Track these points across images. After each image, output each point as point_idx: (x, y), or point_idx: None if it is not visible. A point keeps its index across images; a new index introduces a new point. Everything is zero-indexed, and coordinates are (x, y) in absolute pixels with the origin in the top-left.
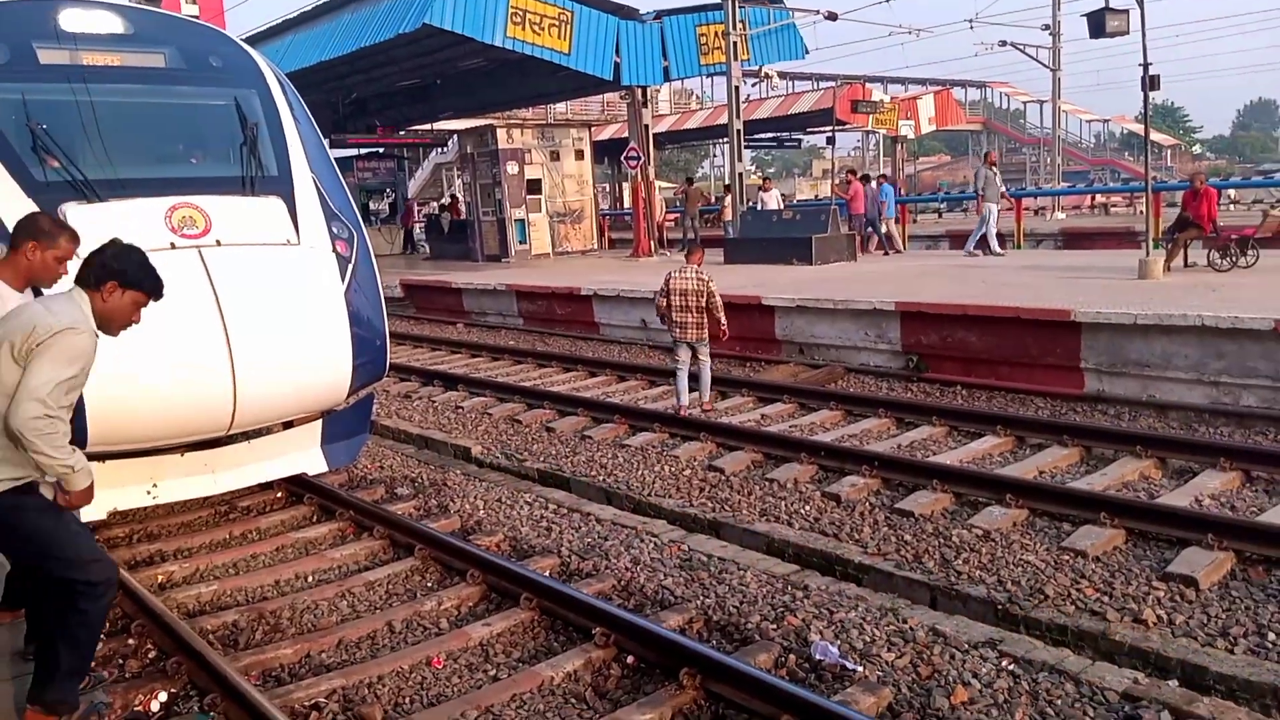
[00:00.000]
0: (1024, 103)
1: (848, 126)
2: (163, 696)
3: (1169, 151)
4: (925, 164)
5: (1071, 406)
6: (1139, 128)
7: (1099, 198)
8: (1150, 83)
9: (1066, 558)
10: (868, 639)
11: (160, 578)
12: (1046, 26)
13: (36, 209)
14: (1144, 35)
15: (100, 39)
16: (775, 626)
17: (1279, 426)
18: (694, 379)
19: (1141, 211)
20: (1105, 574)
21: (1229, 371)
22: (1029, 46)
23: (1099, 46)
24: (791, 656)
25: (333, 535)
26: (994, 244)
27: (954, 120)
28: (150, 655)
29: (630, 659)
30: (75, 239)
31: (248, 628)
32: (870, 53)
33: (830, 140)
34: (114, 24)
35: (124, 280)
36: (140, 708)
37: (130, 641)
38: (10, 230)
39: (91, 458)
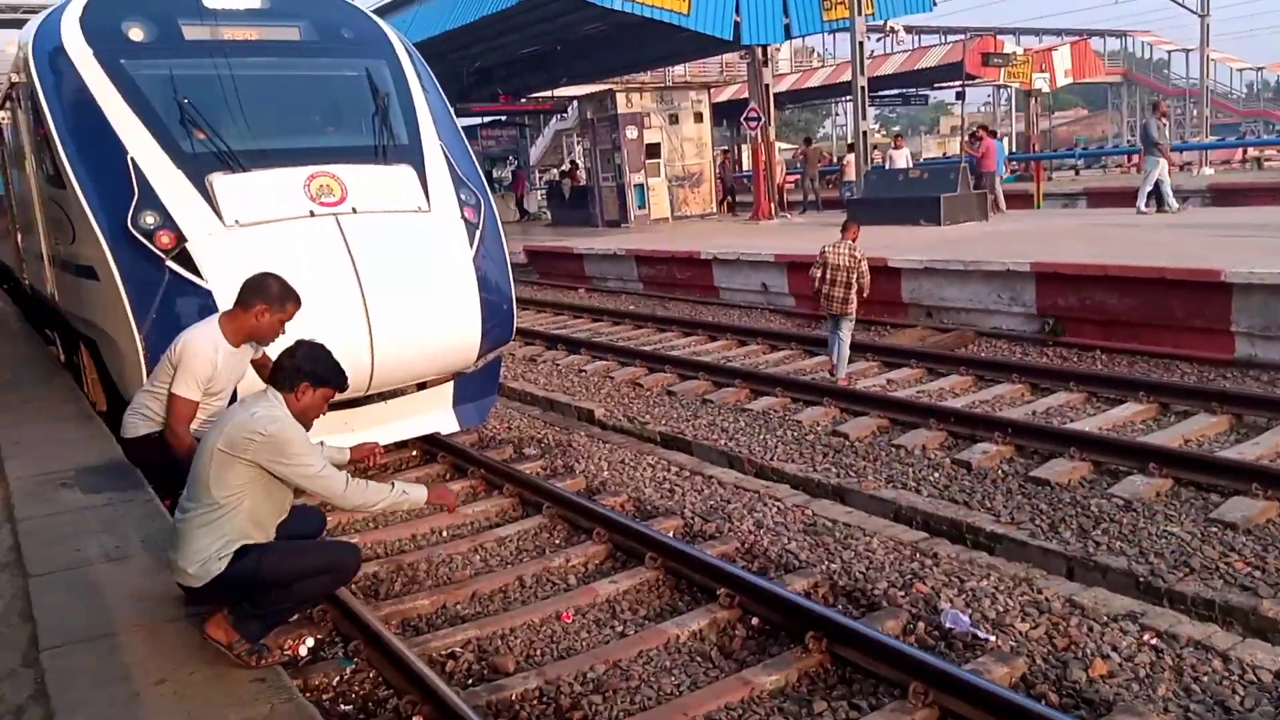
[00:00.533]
0: (1168, 52)
1: (978, 81)
2: (310, 642)
3: None
4: (1060, 118)
5: (1220, 372)
6: None
7: (1251, 151)
8: None
9: (1215, 530)
10: (1000, 608)
11: None
12: None
13: (185, 179)
14: None
15: (240, 15)
16: (903, 593)
17: None
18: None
19: None
20: (1257, 548)
21: None
22: None
23: None
24: (920, 624)
25: (465, 492)
26: (1169, 199)
27: (1092, 72)
28: None
29: (755, 620)
30: (299, 303)
31: (387, 579)
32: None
33: (960, 95)
34: (251, 0)
35: (314, 380)
36: (289, 652)
37: None
38: (164, 203)
39: None
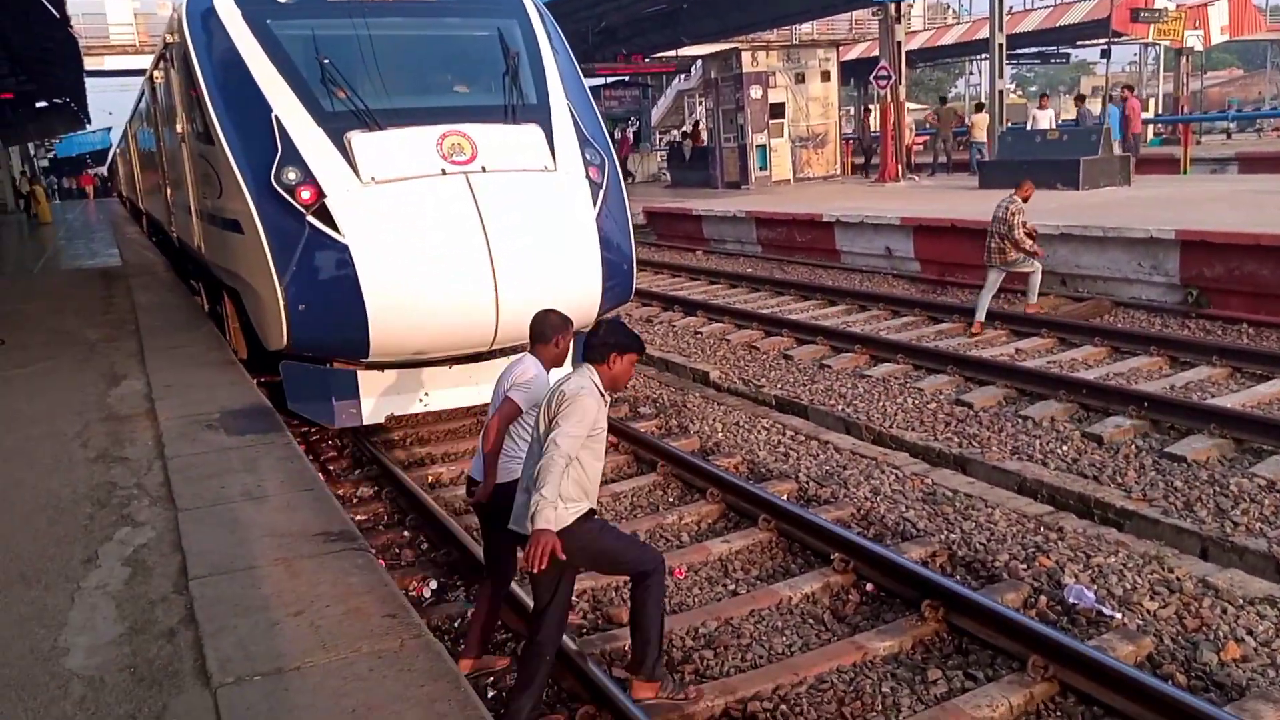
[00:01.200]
0: None
1: (1125, 38)
2: (434, 584)
3: None
4: (1213, 79)
5: None
6: None
7: None
8: None
9: None
10: (1128, 586)
11: (430, 478)
12: None
13: (325, 137)
14: None
15: None
16: (1025, 567)
17: None
18: None
19: None
20: None
21: None
22: None
23: None
24: (1042, 598)
25: None
26: None
27: (1251, 29)
28: (423, 546)
29: (870, 586)
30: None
31: None
32: None
33: (1105, 54)
34: None
35: (620, 349)
36: (414, 593)
37: (405, 533)
38: (305, 160)
39: (371, 367)
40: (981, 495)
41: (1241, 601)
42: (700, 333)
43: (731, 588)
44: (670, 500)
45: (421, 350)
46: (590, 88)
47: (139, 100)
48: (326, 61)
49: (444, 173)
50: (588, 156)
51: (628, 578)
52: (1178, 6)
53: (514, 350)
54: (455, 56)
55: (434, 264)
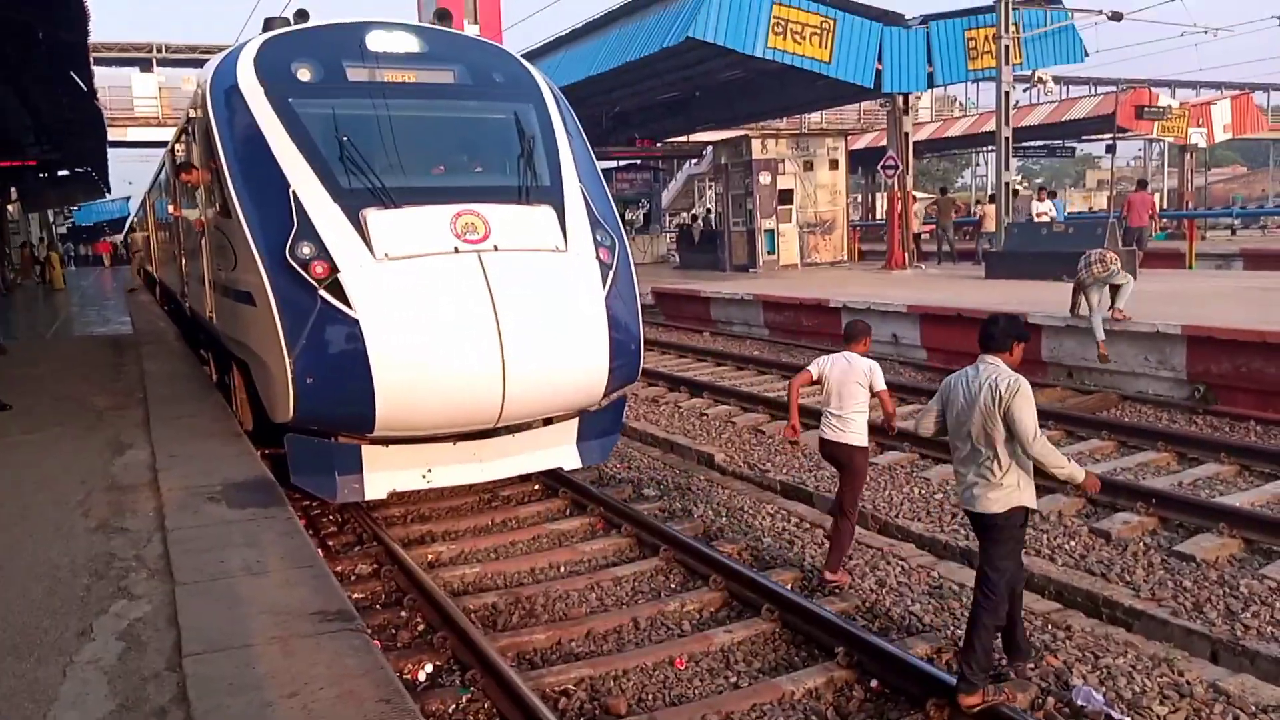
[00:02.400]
0: None
1: (1129, 134)
2: (429, 668)
3: None
4: (1217, 176)
5: None
6: None
7: None
8: None
9: None
10: (1137, 689)
11: (430, 556)
12: None
13: (341, 213)
14: None
15: (399, 58)
16: (1033, 665)
17: None
18: None
19: None
20: None
21: None
22: None
23: None
24: (1050, 699)
25: (584, 529)
26: None
27: (1254, 128)
28: (419, 628)
29: (874, 683)
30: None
31: (505, 610)
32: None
33: (1110, 149)
34: (411, 44)
35: (1019, 337)
36: (408, 676)
37: (403, 614)
38: (320, 235)
39: (375, 442)
40: None
41: (1254, 709)
42: (706, 414)
43: (733, 680)
44: (673, 586)
45: (427, 426)
46: (603, 170)
47: (159, 171)
48: (345, 140)
49: (457, 251)
50: (599, 238)
51: None
52: (1182, 104)
53: (519, 428)
54: (472, 138)
55: (443, 340)
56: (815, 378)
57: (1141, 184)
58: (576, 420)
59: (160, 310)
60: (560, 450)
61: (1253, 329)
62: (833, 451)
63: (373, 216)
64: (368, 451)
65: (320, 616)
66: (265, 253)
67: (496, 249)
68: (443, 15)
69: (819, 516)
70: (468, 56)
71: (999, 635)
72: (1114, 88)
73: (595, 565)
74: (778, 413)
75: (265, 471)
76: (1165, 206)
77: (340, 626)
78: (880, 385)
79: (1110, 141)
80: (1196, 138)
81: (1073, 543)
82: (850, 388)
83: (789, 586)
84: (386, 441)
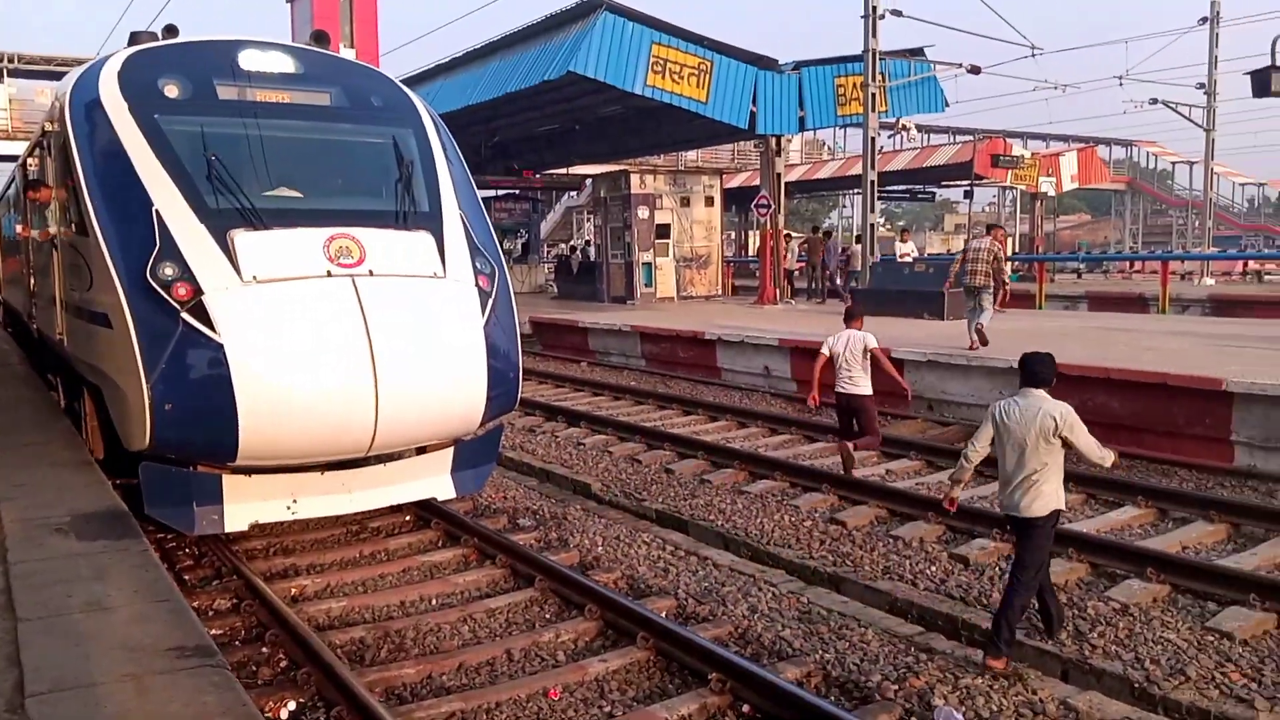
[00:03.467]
0: (1172, 163)
1: (985, 181)
2: (291, 706)
3: None
4: (1065, 223)
5: (1219, 480)
6: None
7: (1251, 264)
8: None
9: (1211, 639)
10: (995, 708)
11: (294, 590)
12: (1201, 85)
13: (207, 234)
14: None
15: (272, 78)
16: (897, 687)
17: None
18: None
19: None
20: (1254, 659)
21: None
22: (1181, 105)
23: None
24: None
25: (457, 561)
26: None
27: (1097, 179)
28: (282, 665)
29: (746, 708)
30: None
31: (374, 645)
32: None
33: (968, 194)
34: (285, 64)
35: (1058, 375)
36: (270, 714)
37: (264, 650)
38: (184, 256)
39: (237, 472)
40: (855, 615)
41: None
42: (583, 444)
43: (608, 709)
44: (548, 617)
45: (294, 455)
46: (482, 199)
47: (7, 186)
48: (214, 159)
49: (329, 274)
50: (478, 265)
51: None
52: (1033, 155)
53: (391, 457)
54: (348, 161)
55: (312, 366)
56: (829, 355)
57: (827, 233)
58: (452, 449)
59: (3, 333)
60: (434, 480)
61: (1096, 365)
62: (848, 401)
63: (241, 238)
64: (228, 481)
65: (177, 652)
66: (124, 273)
67: (372, 274)
68: (319, 37)
69: (693, 544)
70: (345, 79)
71: (1040, 614)
72: (971, 137)
73: (468, 597)
74: (654, 442)
75: (117, 502)
76: (1017, 250)
77: (199, 663)
78: (874, 344)
79: (968, 187)
80: (1046, 186)
81: (934, 568)
82: (856, 355)
83: (664, 614)
84: (249, 471)
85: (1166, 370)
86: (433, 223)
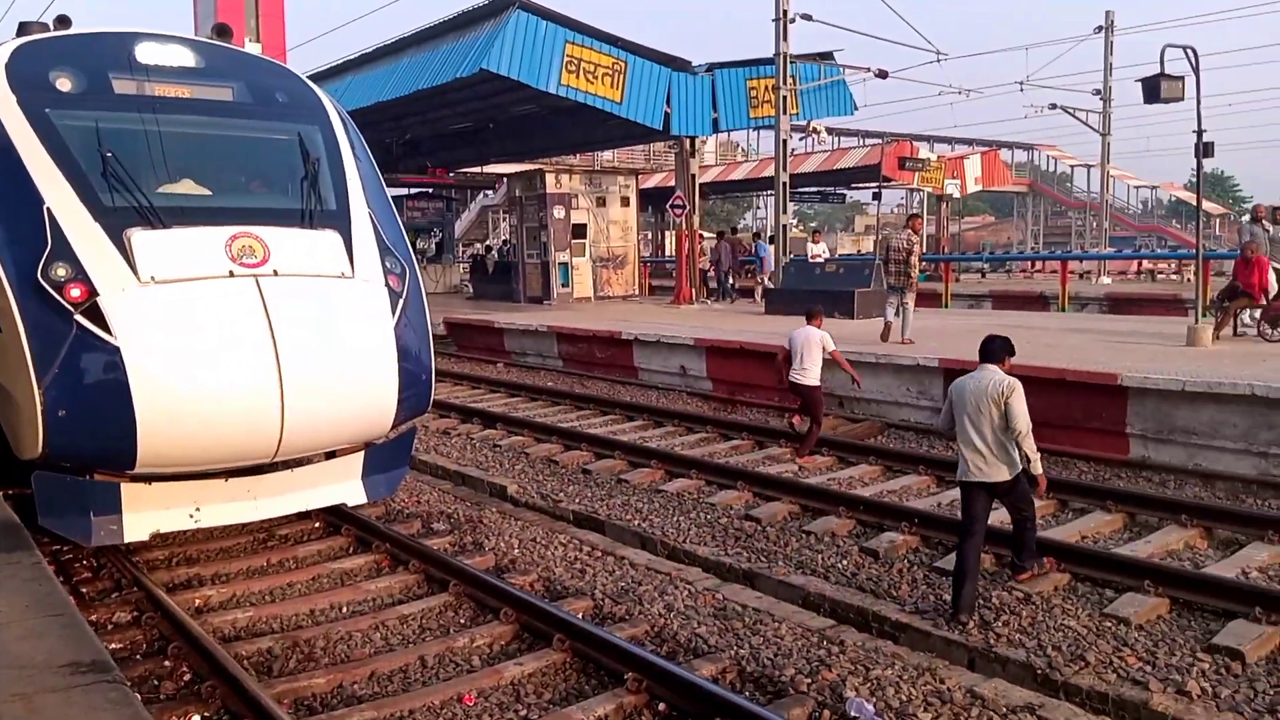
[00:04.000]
0: (1071, 166)
1: (893, 183)
2: (196, 719)
3: (1218, 220)
4: (970, 224)
5: (1115, 472)
6: (1187, 195)
7: (1145, 264)
8: (1203, 150)
9: (1109, 624)
10: (904, 698)
11: (198, 601)
12: (1097, 91)
13: (102, 233)
14: (1199, 103)
15: (172, 72)
16: (810, 680)
17: None
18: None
19: (1189, 279)
20: (1148, 643)
21: (1278, 443)
22: (1079, 110)
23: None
24: (826, 712)
25: (368, 567)
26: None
27: (1000, 181)
28: (185, 678)
29: (662, 706)
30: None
31: (282, 655)
32: (919, 111)
33: (876, 196)
34: (186, 58)
35: (1010, 351)
36: None
37: (166, 663)
38: (77, 255)
39: (136, 479)
40: (769, 610)
41: (1005, 710)
42: (499, 446)
43: (524, 713)
44: (462, 622)
45: (197, 462)
46: (394, 197)
47: None
48: (109, 155)
49: (232, 274)
50: (388, 264)
51: None
52: (939, 158)
53: (299, 462)
54: (251, 158)
55: (214, 369)
56: (789, 348)
57: (720, 234)
58: (362, 453)
59: None
60: (344, 485)
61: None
62: (799, 389)
63: (138, 237)
64: (127, 490)
65: (72, 669)
66: (13, 273)
67: (276, 273)
68: (222, 30)
69: (610, 544)
70: (248, 74)
71: (1012, 550)
72: (880, 140)
73: (380, 604)
74: (571, 443)
75: (8, 513)
76: (924, 251)
77: (95, 679)
78: (831, 347)
79: (876, 189)
80: (951, 188)
81: (845, 562)
82: (811, 349)
83: (580, 615)
84: (149, 479)
85: (1065, 366)
86: (340, 221)
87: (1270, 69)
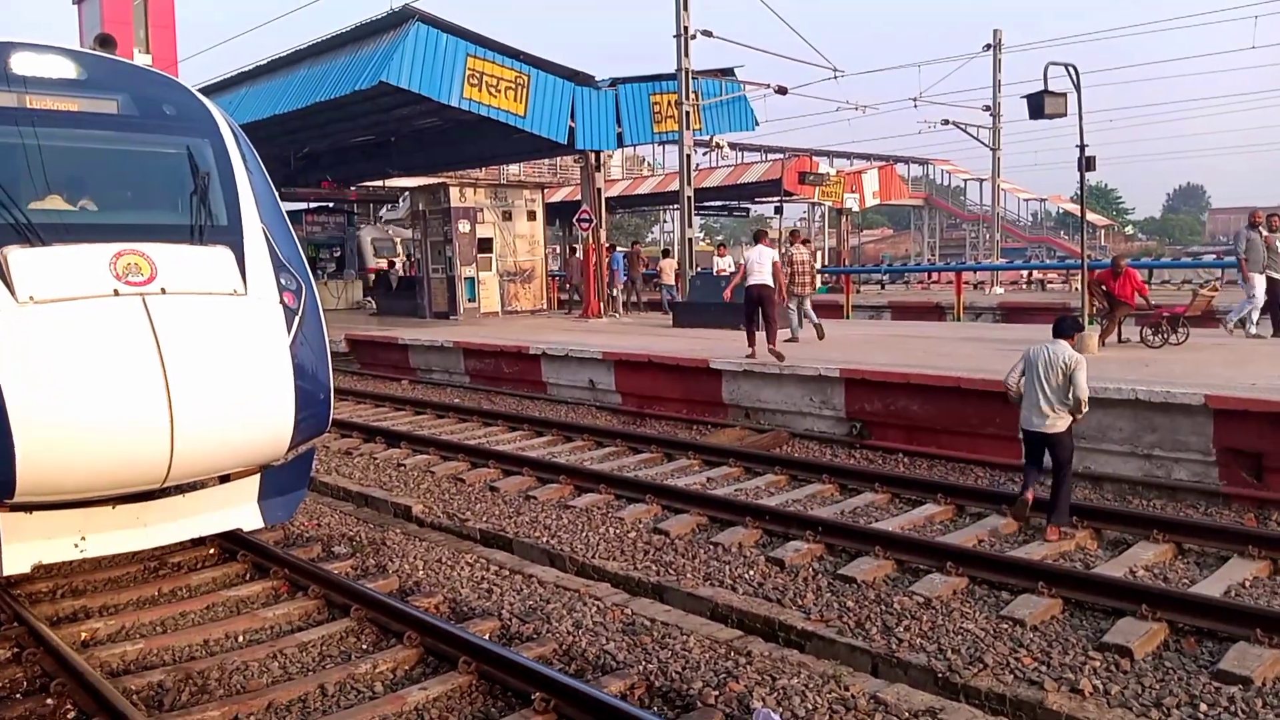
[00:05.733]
0: (964, 180)
1: (795, 197)
2: None
3: (1103, 231)
4: (869, 236)
5: (1010, 476)
6: (1074, 207)
7: (1036, 274)
8: (1086, 164)
9: (1005, 626)
10: (810, 706)
11: (84, 635)
12: (987, 107)
13: None
14: (1080, 118)
15: (53, 84)
16: (718, 693)
17: (1209, 500)
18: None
19: (1076, 288)
20: (1043, 643)
21: (1161, 445)
22: (970, 126)
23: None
24: None
25: (266, 594)
26: (1253, 323)
27: (897, 195)
28: (70, 717)
29: None
30: None
31: (174, 688)
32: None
33: (778, 210)
34: (67, 69)
35: (1079, 328)
36: None
37: (49, 701)
38: None
39: (16, 509)
40: (677, 623)
41: (907, 714)
42: (404, 465)
43: None
44: (364, 647)
45: (81, 489)
46: (291, 212)
47: None
48: None
49: (117, 293)
50: (283, 281)
51: None
52: (838, 173)
53: (191, 486)
54: (137, 173)
55: (99, 392)
56: (742, 265)
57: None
58: (258, 476)
59: None
60: (239, 510)
61: (897, 371)
62: (758, 292)
63: (15, 255)
64: (6, 520)
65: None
66: None
67: (164, 291)
68: (105, 41)
69: (518, 563)
70: (134, 86)
71: (1047, 511)
72: (781, 155)
73: (278, 631)
74: (479, 460)
75: None
76: (826, 263)
77: None
78: (775, 257)
79: (778, 203)
80: (850, 202)
81: (751, 572)
82: (764, 261)
83: (487, 636)
84: (30, 507)
85: (960, 374)
86: (232, 237)
87: (1149, 85)
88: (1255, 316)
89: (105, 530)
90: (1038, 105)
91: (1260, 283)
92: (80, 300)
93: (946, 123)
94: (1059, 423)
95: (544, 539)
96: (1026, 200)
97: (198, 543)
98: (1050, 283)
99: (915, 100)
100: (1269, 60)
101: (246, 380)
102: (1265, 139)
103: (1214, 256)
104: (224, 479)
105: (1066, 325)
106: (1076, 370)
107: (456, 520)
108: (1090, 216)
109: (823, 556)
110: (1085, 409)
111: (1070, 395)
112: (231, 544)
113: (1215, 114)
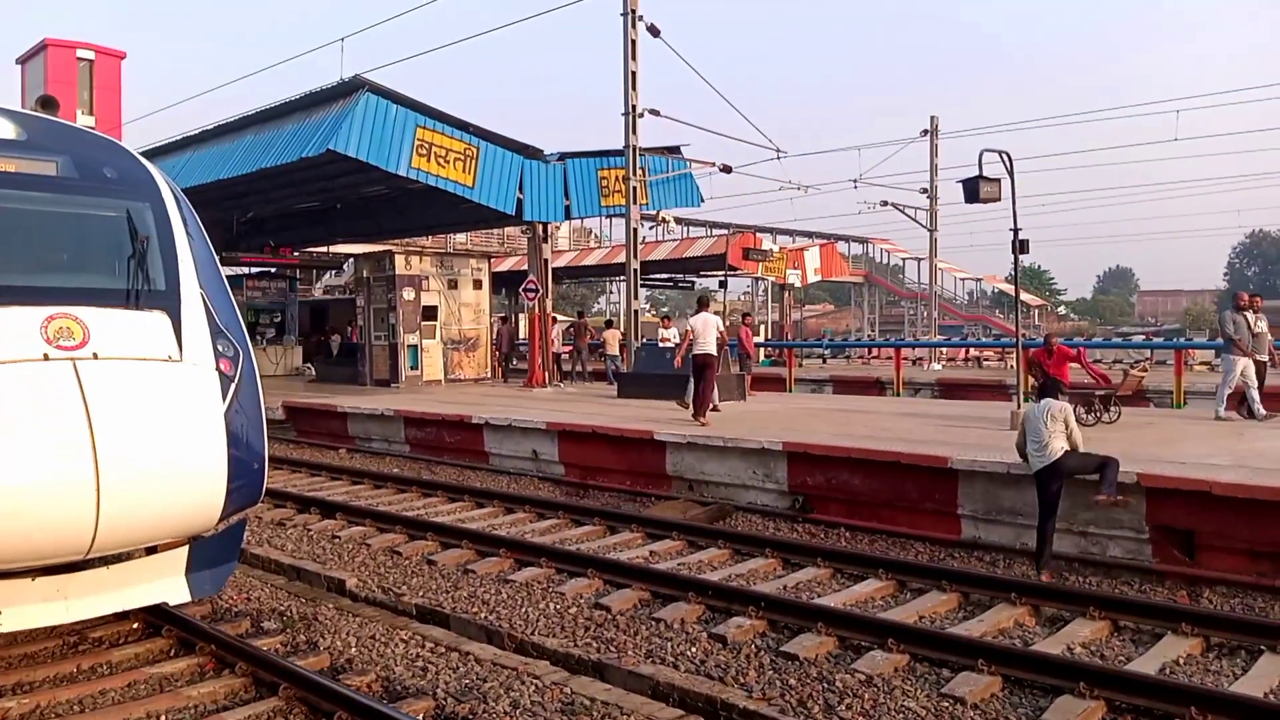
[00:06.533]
0: (903, 259)
1: (739, 272)
2: None
3: (1036, 311)
4: (811, 311)
5: (949, 552)
6: (1008, 287)
7: (973, 351)
8: (1020, 246)
9: (946, 704)
10: None
11: None
12: (925, 190)
13: None
14: (1014, 202)
15: None
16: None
17: (1143, 577)
18: None
19: (1012, 365)
20: None
21: (1096, 522)
22: (908, 207)
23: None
24: None
25: (191, 671)
26: (1256, 405)
27: (838, 272)
28: None
29: None
30: None
31: None
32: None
33: (723, 284)
34: (5, 129)
35: (1061, 390)
36: None
37: None
38: None
39: None
40: (618, 702)
41: None
42: (339, 537)
43: None
44: None
45: (2, 560)
46: (232, 277)
47: None
48: None
49: (47, 357)
50: (220, 347)
51: None
52: (781, 249)
53: (116, 558)
54: (75, 236)
55: (21, 458)
56: (691, 332)
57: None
58: (187, 548)
59: None
60: (166, 582)
61: (840, 446)
62: (702, 360)
63: None
64: None
65: None
66: None
67: (96, 356)
68: (47, 102)
69: (455, 639)
70: (74, 148)
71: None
72: (726, 231)
73: (202, 711)
74: (416, 532)
75: None
76: (769, 337)
77: None
78: (721, 326)
79: (723, 278)
80: (793, 278)
81: (694, 648)
82: (709, 330)
83: (421, 717)
84: None
85: (900, 450)
86: (169, 302)
87: (1078, 172)
88: (1224, 395)
89: (23, 603)
90: (973, 190)
91: (1242, 365)
92: (8, 364)
93: (885, 204)
94: (1056, 451)
95: (482, 614)
96: (963, 279)
97: (121, 616)
98: (986, 359)
99: (855, 181)
100: (1190, 152)
101: (178, 448)
102: (1190, 226)
103: (1143, 337)
104: (151, 550)
105: (1050, 388)
106: (1069, 416)
107: (392, 595)
108: (1024, 296)
109: (765, 633)
110: (1081, 447)
111: (1068, 439)
112: (157, 618)
113: (1143, 201)
